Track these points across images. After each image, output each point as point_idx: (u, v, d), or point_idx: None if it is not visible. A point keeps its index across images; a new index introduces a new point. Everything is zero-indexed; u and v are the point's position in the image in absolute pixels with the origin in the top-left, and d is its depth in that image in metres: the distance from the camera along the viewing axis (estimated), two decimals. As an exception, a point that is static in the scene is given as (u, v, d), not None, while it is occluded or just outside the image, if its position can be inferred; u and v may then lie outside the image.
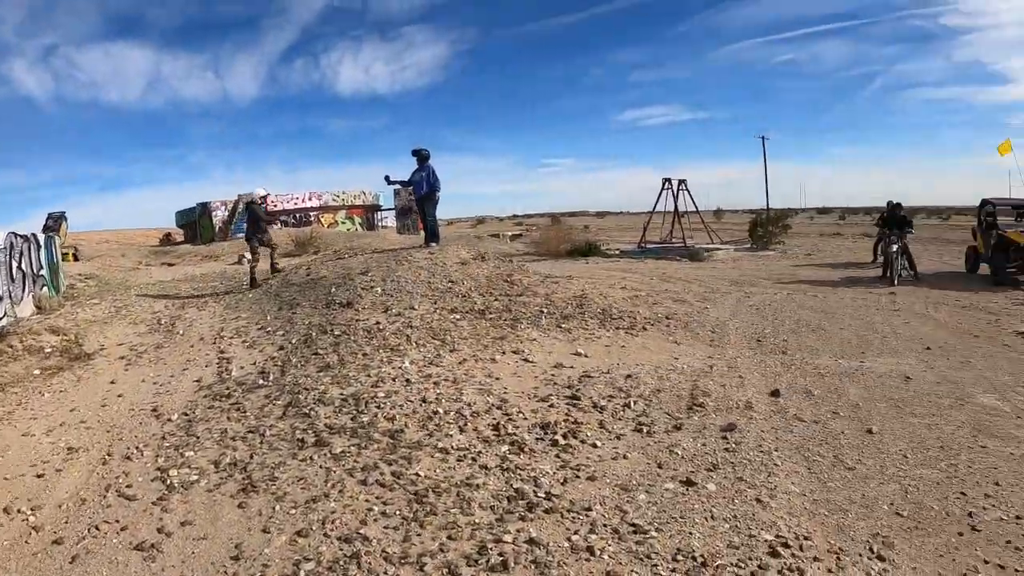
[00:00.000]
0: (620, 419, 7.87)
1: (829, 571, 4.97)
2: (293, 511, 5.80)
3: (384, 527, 5.47)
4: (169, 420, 8.26)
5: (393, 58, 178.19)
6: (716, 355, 11.03)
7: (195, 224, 51.34)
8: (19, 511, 6.14)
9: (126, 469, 6.88)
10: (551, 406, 8.23)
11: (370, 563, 4.96)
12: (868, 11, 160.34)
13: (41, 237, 17.26)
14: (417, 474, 6.34)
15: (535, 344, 11.04)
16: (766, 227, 38.06)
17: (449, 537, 5.27)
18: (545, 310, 13.13)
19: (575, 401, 8.38)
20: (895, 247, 21.05)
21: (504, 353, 10.44)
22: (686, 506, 5.84)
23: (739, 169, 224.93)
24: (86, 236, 59.09)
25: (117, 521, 5.84)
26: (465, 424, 7.52)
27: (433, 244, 17.94)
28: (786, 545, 5.22)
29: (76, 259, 31.64)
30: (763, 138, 59.20)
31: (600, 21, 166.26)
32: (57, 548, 5.50)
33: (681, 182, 38.31)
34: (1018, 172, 41.66)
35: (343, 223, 52.65)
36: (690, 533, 5.36)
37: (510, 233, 56.44)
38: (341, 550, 5.15)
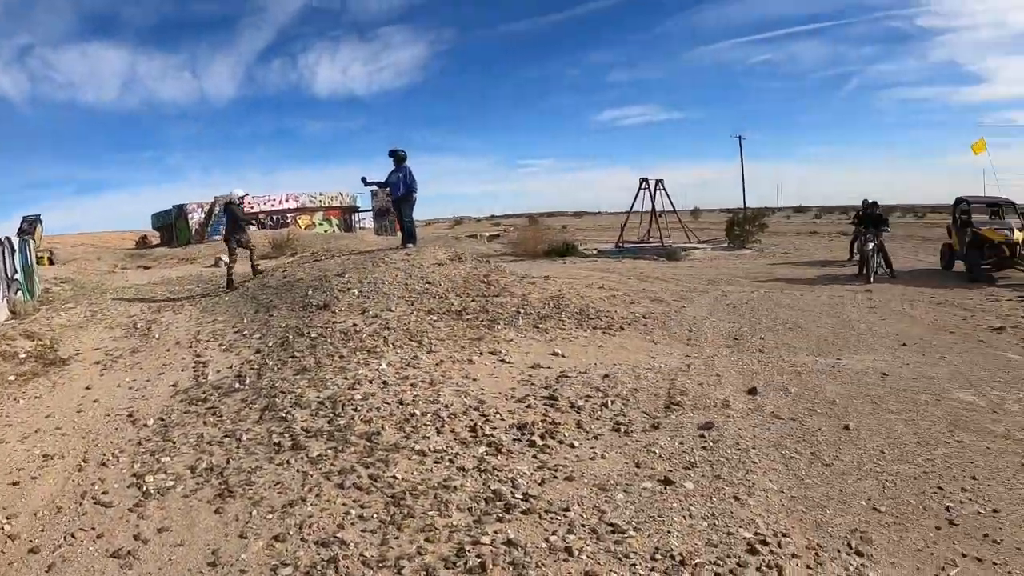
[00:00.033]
0: (598, 419, 7.87)
1: (808, 567, 4.97)
2: (270, 516, 5.75)
3: (361, 530, 5.43)
4: (145, 425, 8.17)
5: (371, 59, 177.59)
6: (693, 354, 11.06)
7: (171, 227, 50.95)
8: (-6, 520, 6.07)
9: (102, 476, 6.80)
10: (528, 407, 8.22)
11: (348, 567, 4.92)
12: (845, 12, 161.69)
13: (15, 241, 17.09)
14: (394, 476, 6.31)
15: (512, 345, 11.03)
16: (743, 226, 38.27)
17: (427, 539, 5.24)
18: (522, 310, 13.12)
19: (552, 401, 8.38)
20: (871, 245, 21.26)
21: (481, 354, 10.42)
22: (664, 505, 5.84)
23: (716, 169, 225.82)
24: (61, 239, 58.68)
25: (93, 528, 5.77)
26: (442, 426, 7.49)
27: (410, 245, 17.93)
28: (764, 542, 5.23)
29: (51, 263, 31.45)
30: (740, 138, 59.42)
31: (577, 22, 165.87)
32: (33, 557, 5.42)
33: (658, 182, 38.44)
34: (992, 171, 42.14)
35: (320, 225, 52.50)
36: (668, 532, 5.36)
37: (488, 234, 56.43)
38: (319, 554, 5.11)
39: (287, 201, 51.91)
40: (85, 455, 7.37)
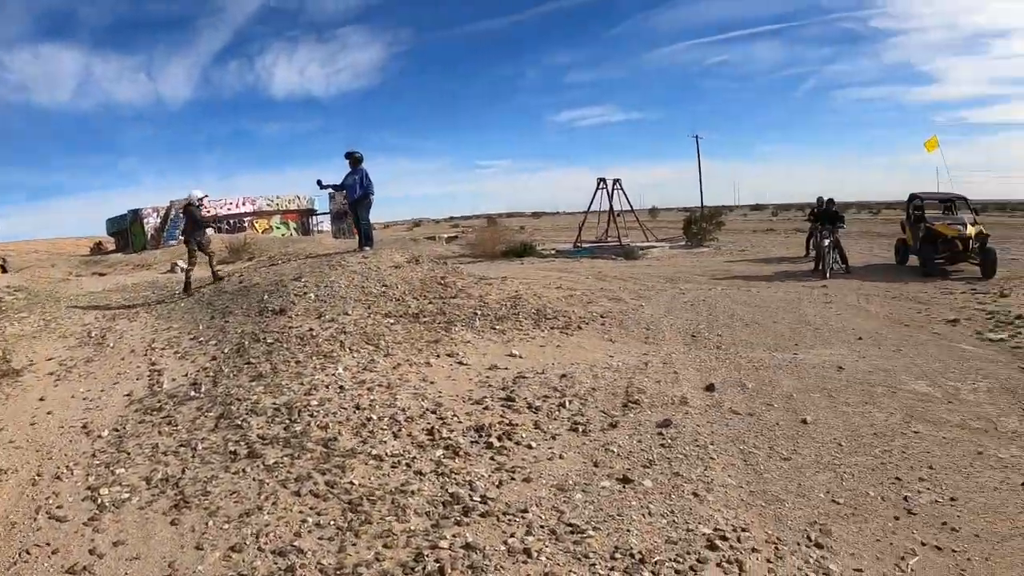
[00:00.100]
0: (555, 419, 7.87)
1: (768, 561, 5.00)
2: (226, 526, 5.68)
3: (319, 538, 5.38)
4: (99, 437, 8.02)
5: (329, 60, 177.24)
6: (651, 352, 11.08)
7: (127, 232, 50.15)
8: (-54, 537, 5.96)
9: (56, 489, 6.67)
10: (486, 408, 8.19)
11: None
12: (801, 14, 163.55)
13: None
14: (351, 482, 6.25)
15: (469, 346, 10.99)
16: (700, 224, 38.51)
17: (385, 546, 5.20)
18: (479, 312, 13.10)
19: (510, 402, 8.37)
20: (827, 241, 21.52)
21: (438, 356, 10.37)
22: (623, 503, 5.85)
23: (674, 168, 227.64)
24: (14, 246, 58.10)
25: (48, 544, 5.66)
26: (399, 430, 7.44)
27: (367, 248, 17.81)
28: (724, 538, 5.26)
29: (4, 271, 31.06)
30: (697, 137, 60.08)
31: (535, 23, 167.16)
32: (-14, 575, 5.35)
33: (616, 181, 38.52)
34: (945, 168, 42.74)
35: (278, 228, 52.07)
36: (628, 530, 5.36)
37: (446, 235, 56.41)
38: (276, 564, 5.05)
39: (244, 205, 51.28)
40: (39, 468, 7.23)
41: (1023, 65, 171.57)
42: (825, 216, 23.01)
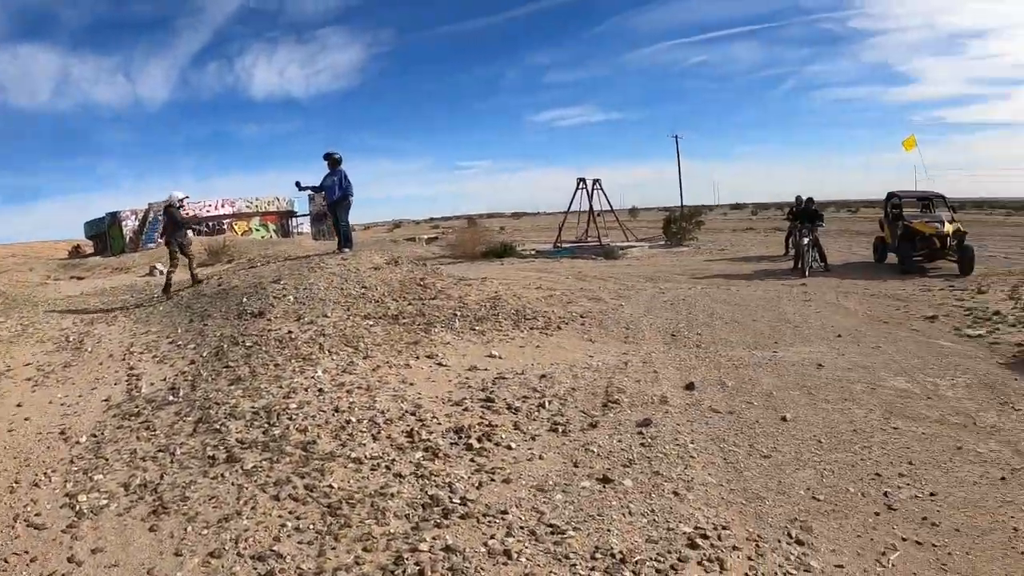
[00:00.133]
0: (535, 420, 7.87)
1: (749, 559, 5.01)
2: (205, 531, 5.62)
3: (298, 543, 5.34)
4: (78, 443, 7.93)
5: (308, 61, 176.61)
6: (631, 351, 11.10)
7: (105, 235, 49.63)
8: (-77, 548, 5.90)
9: (34, 496, 6.59)
10: (465, 410, 8.17)
11: (284, 581, 4.86)
12: (780, 14, 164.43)
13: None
14: (330, 486, 6.21)
15: (449, 348, 10.98)
16: (680, 224, 38.57)
17: (364, 549, 5.17)
18: (459, 313, 13.08)
19: (489, 403, 8.35)
20: (806, 240, 21.70)
21: (418, 358, 10.35)
22: (603, 503, 5.84)
23: (654, 168, 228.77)
24: (-9, 250, 57.76)
25: (26, 552, 5.59)
26: (378, 432, 7.41)
27: (346, 249, 17.74)
28: (704, 536, 5.27)
29: (-20, 275, 30.81)
30: (676, 137, 60.31)
31: (515, 23, 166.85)
32: (-36, 584, 5.30)
33: (595, 181, 38.59)
34: (923, 166, 43.10)
35: (257, 230, 51.79)
36: (608, 530, 5.36)
37: (426, 236, 56.25)
38: (255, 569, 5.01)
39: (223, 207, 50.90)
40: (17, 476, 7.14)
41: (999, 65, 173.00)
42: (804, 215, 23.12)
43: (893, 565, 4.93)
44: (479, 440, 7.17)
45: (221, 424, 7.87)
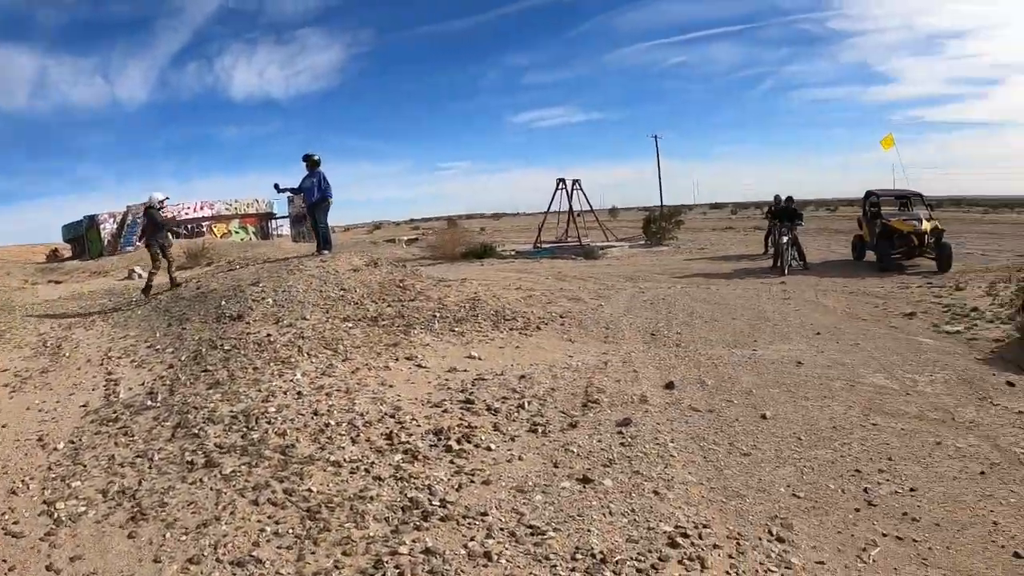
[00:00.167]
0: (514, 420, 7.86)
1: (729, 557, 5.03)
2: (184, 537, 5.58)
3: (277, 547, 5.31)
4: (55, 449, 7.86)
5: (287, 62, 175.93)
6: (611, 351, 11.10)
7: (83, 238, 49.13)
8: (-101, 558, 5.83)
9: (12, 504, 6.52)
10: (445, 411, 8.16)
11: (263, 586, 4.84)
12: (759, 15, 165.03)
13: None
14: (309, 490, 6.18)
15: (428, 349, 10.96)
16: (659, 223, 38.66)
17: (344, 553, 5.15)
18: (438, 314, 13.05)
19: (469, 405, 8.34)
20: (786, 239, 21.78)
21: (397, 360, 10.32)
22: (583, 504, 5.84)
23: (634, 168, 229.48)
24: (-33, 256, 57.29)
25: (4, 561, 5.54)
26: (357, 435, 7.38)
27: (325, 251, 17.71)
28: (685, 535, 5.27)
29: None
30: (656, 137, 60.43)
31: (495, 24, 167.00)
32: (-57, 595, 5.25)
33: (575, 182, 38.53)
34: (901, 165, 43.26)
35: (237, 233, 51.41)
36: (588, 531, 5.36)
37: (406, 237, 56.04)
38: (234, 575, 4.99)
39: (202, 209, 50.50)
40: (-7, 483, 7.13)
41: (977, 65, 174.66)
42: (784, 214, 23.20)
43: (874, 561, 4.95)
44: (459, 442, 7.15)
45: (200, 429, 7.82)
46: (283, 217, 53.37)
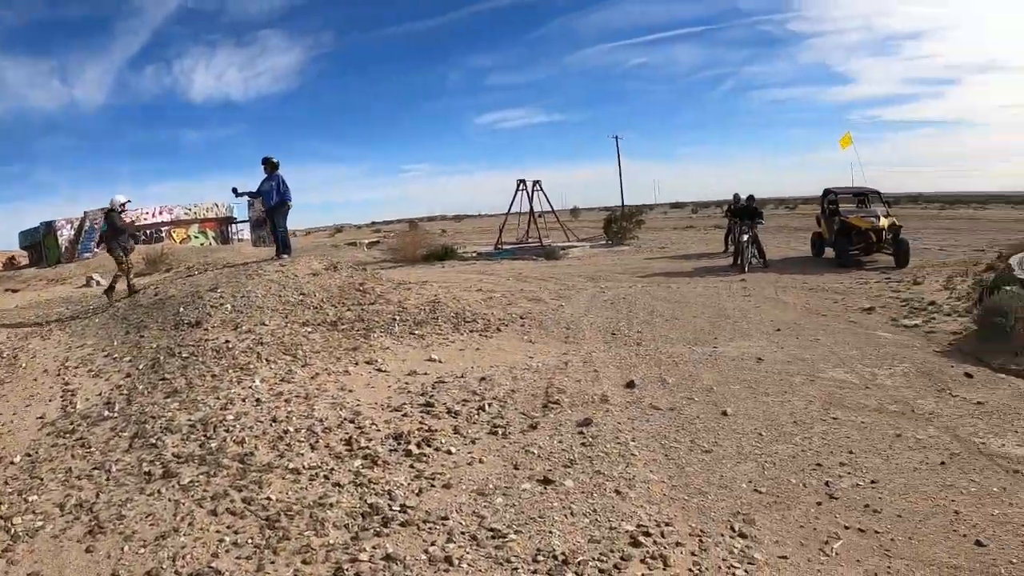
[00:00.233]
0: (475, 423, 7.84)
1: (692, 554, 5.05)
2: (142, 550, 5.51)
3: (236, 558, 5.26)
4: (12, 463, 7.73)
5: (247, 63, 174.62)
6: (571, 351, 11.13)
7: (40, 245, 48.51)
8: None
9: (-31, 520, 6.47)
10: (405, 415, 8.12)
11: (222, 597, 4.79)
12: (720, 17, 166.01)
13: None
14: (268, 498, 6.13)
15: (388, 353, 10.91)
16: (620, 223, 38.70)
17: (303, 562, 5.11)
18: (398, 317, 12.99)
19: (429, 408, 8.31)
20: (746, 237, 21.94)
21: (357, 364, 10.27)
22: (544, 505, 5.84)
23: (595, 169, 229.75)
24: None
25: (-41, 579, 5.49)
26: (317, 441, 7.33)
27: (284, 256, 17.49)
28: (647, 533, 5.28)
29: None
30: (617, 138, 60.53)
31: (457, 25, 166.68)
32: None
33: (536, 182, 38.49)
34: (859, 163, 43.72)
35: (196, 238, 51.02)
36: (550, 532, 5.35)
37: (367, 241, 55.82)
38: (193, 586, 4.95)
39: (160, 214, 49.98)
40: (-50, 499, 7.01)
41: (932, 66, 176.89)
42: (744, 212, 23.39)
43: (837, 553, 4.99)
44: (419, 446, 7.12)
45: (157, 439, 7.72)
46: (243, 221, 52.98)
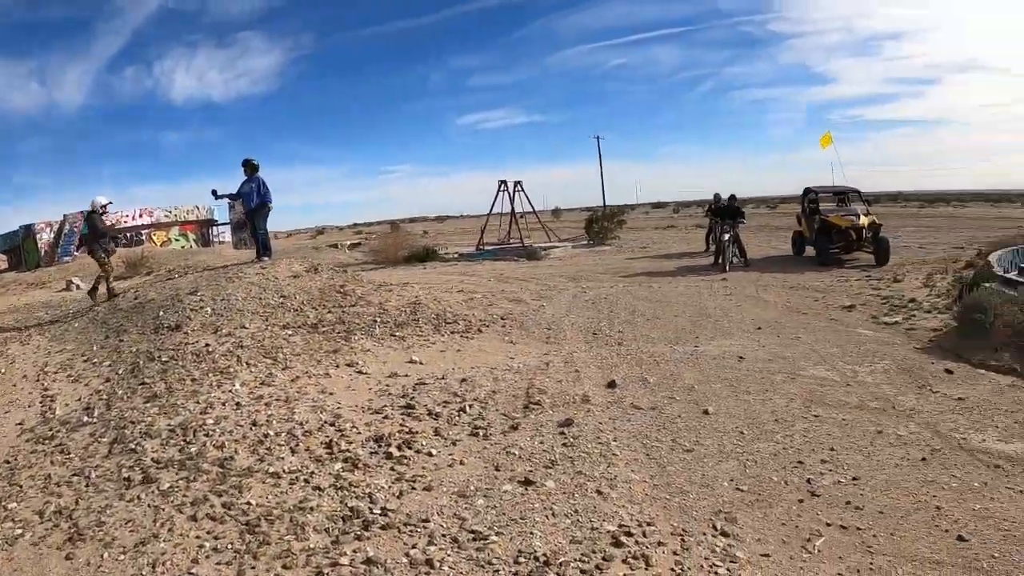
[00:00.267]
0: (456, 424, 7.82)
1: (674, 553, 5.05)
2: (122, 557, 5.48)
3: (216, 563, 5.23)
4: (-10, 470, 7.75)
5: (228, 65, 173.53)
6: (552, 352, 11.12)
7: (19, 249, 47.97)
8: None
9: (-54, 530, 6.42)
10: (385, 417, 8.09)
11: (202, 603, 4.76)
12: (700, 18, 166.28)
13: None
14: (248, 503, 6.09)
15: (369, 355, 10.86)
16: (602, 223, 38.66)
17: (284, 566, 5.08)
18: (379, 319, 12.94)
19: (410, 410, 8.28)
20: (727, 236, 22.03)
21: (338, 367, 10.23)
22: (526, 506, 5.83)
23: (577, 169, 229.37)
24: None
25: (-61, 590, 5.45)
26: (297, 445, 7.29)
27: (265, 258, 17.39)
28: (629, 533, 5.29)
29: None
30: (598, 138, 60.67)
31: (438, 26, 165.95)
32: None
33: (517, 183, 38.45)
34: (839, 163, 44.01)
35: (177, 240, 50.72)
36: (531, 533, 5.34)
37: (348, 242, 55.69)
38: (173, 593, 4.92)
39: (141, 217, 49.64)
40: (-73, 508, 6.95)
41: (912, 66, 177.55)
42: (726, 212, 23.48)
43: (819, 551, 5.02)
44: (399, 448, 7.10)
45: (136, 444, 7.67)
46: (224, 224, 52.65)
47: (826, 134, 28.21)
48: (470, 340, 12.05)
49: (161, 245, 47.06)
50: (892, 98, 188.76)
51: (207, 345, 11.22)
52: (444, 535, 5.37)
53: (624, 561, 4.92)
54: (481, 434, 7.49)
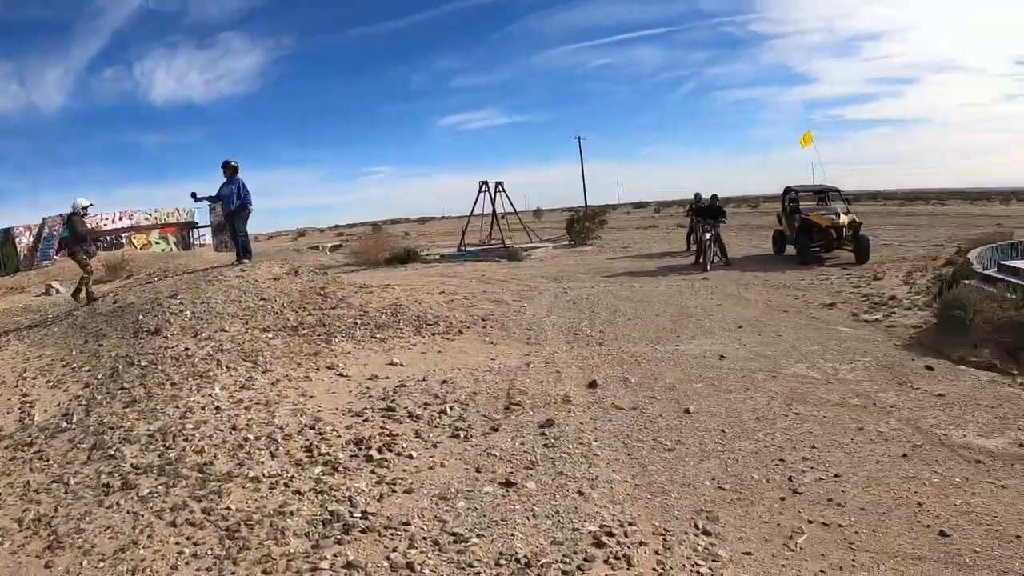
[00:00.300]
0: (436, 426, 7.80)
1: (656, 553, 5.05)
2: (101, 564, 5.43)
3: (196, 569, 5.19)
4: (-32, 478, 7.67)
5: (208, 66, 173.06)
6: (533, 352, 11.13)
7: (-3, 253, 48.19)
8: None
9: (-74, 541, 6.35)
10: (366, 420, 8.06)
11: (181, 610, 4.73)
12: (683, 18, 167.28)
13: None
14: (228, 508, 6.05)
15: (350, 357, 10.84)
16: (583, 223, 38.67)
17: (264, 572, 5.05)
18: (359, 321, 12.90)
19: (390, 412, 8.25)
20: (708, 235, 22.04)
21: (318, 369, 10.20)
22: (507, 508, 5.82)
23: (559, 170, 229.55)
24: None
25: (-83, 600, 5.40)
26: (277, 449, 7.25)
27: (245, 260, 17.31)
28: (610, 534, 5.29)
29: None
30: (579, 139, 60.75)
31: (420, 27, 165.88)
32: None
33: (498, 184, 38.39)
34: (819, 162, 44.23)
35: (157, 243, 50.36)
36: (512, 535, 5.34)
37: (330, 244, 55.59)
38: (153, 600, 4.88)
39: (121, 220, 49.25)
40: (-97, 518, 6.88)
41: (891, 66, 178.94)
42: (708, 212, 23.53)
43: (801, 548, 5.03)
44: (380, 451, 7.06)
45: (116, 450, 7.61)
46: (205, 226, 52.43)
47: (806, 133, 28.43)
48: (451, 341, 12.05)
49: (141, 248, 46.68)
50: (872, 98, 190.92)
51: (187, 349, 11.16)
52: (425, 538, 5.35)
53: (606, 561, 4.91)
54: (462, 436, 7.47)
